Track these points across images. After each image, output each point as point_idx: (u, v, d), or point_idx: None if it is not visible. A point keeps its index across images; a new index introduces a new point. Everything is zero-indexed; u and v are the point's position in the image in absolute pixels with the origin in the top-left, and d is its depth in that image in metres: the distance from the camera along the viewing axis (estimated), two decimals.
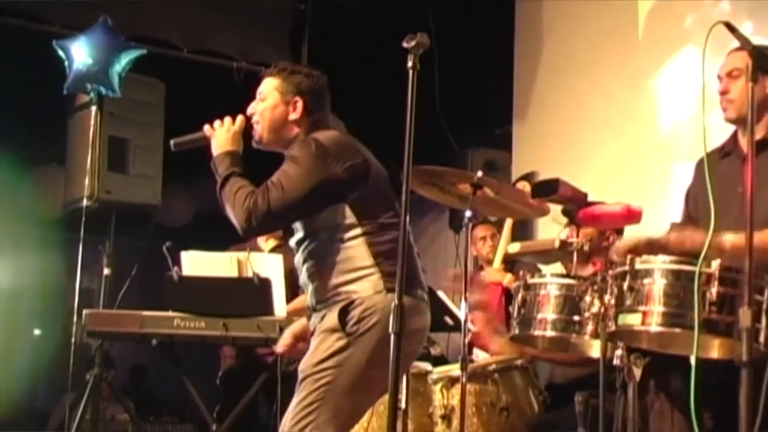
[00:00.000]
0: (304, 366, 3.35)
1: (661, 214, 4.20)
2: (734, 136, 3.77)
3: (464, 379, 3.82)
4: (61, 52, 5.91)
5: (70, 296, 5.68)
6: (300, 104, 3.54)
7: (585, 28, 6.89)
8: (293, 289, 5.26)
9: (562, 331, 3.52)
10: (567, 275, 3.67)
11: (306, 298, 3.56)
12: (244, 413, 5.27)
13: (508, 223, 5.78)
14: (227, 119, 3.56)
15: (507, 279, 5.55)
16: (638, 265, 3.17)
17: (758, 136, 3.62)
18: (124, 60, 5.95)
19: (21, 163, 7.92)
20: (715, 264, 3.02)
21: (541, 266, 5.03)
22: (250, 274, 5.05)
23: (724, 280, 3.01)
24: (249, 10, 7.69)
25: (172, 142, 3.71)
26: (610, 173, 6.33)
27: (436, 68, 6.87)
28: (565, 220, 3.82)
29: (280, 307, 5.04)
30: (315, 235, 3.43)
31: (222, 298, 4.99)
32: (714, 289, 3.00)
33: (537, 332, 3.60)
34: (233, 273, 5.16)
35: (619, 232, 4.66)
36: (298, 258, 3.52)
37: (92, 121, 5.90)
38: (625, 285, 3.17)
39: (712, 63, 3.66)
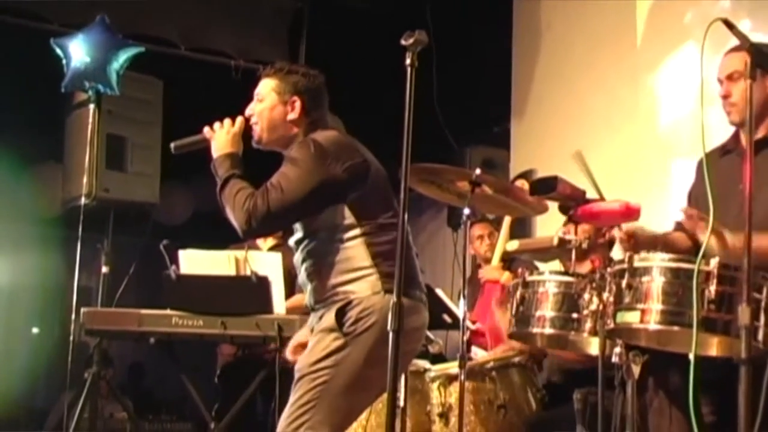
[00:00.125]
0: (300, 365, 3.35)
1: (660, 211, 4.20)
2: (736, 134, 3.77)
3: (462, 377, 3.82)
4: (59, 50, 5.91)
5: (69, 294, 5.68)
6: (298, 104, 3.54)
7: (583, 25, 6.89)
8: (291, 288, 5.27)
9: (561, 328, 3.51)
10: (565, 272, 3.67)
11: (304, 297, 3.57)
12: (243, 411, 5.27)
13: (507, 220, 5.78)
14: (227, 121, 3.56)
15: (505, 277, 5.55)
16: (637, 263, 3.17)
17: (759, 135, 3.63)
18: (122, 58, 5.95)
19: (19, 161, 7.93)
20: (714, 262, 3.01)
21: (539, 264, 5.03)
22: (248, 273, 5.05)
23: (723, 278, 3.01)
24: (247, 8, 7.69)
25: (172, 145, 3.71)
26: (608, 171, 6.29)
27: (435, 66, 6.87)
28: None
29: (279, 305, 5.04)
30: (314, 235, 3.43)
31: (220, 297, 4.99)
32: (713, 287, 2.99)
33: (535, 330, 3.59)
34: (231, 271, 5.16)
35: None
36: (297, 257, 3.52)
37: (90, 119, 5.90)
38: (624, 282, 3.17)
39: (712, 60, 3.66)
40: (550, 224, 4.73)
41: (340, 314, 3.30)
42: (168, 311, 5.00)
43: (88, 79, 5.88)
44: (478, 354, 5.10)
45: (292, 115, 3.54)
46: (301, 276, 3.51)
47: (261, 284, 4.94)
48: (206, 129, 3.59)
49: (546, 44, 7.28)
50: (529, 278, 3.61)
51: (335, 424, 3.28)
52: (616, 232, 3.60)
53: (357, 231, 3.38)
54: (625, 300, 3.16)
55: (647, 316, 3.11)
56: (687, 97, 5.65)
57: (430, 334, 4.51)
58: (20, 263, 9.73)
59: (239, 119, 3.57)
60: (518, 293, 3.62)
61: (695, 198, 3.83)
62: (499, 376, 4.39)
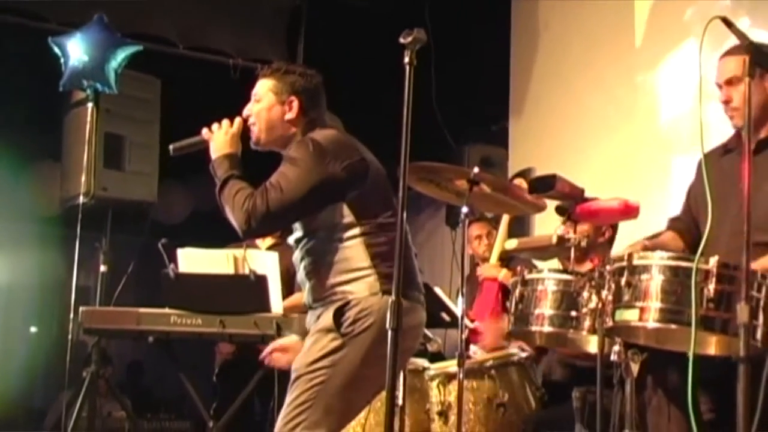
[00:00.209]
0: (297, 365, 3.35)
1: (660, 208, 4.21)
2: (738, 133, 3.76)
3: (461, 376, 3.82)
4: (57, 49, 5.90)
5: (67, 293, 5.67)
6: (295, 103, 3.54)
7: (581, 24, 6.89)
8: (289, 287, 5.26)
9: (560, 326, 3.52)
10: (564, 271, 3.67)
11: (302, 296, 3.56)
12: (241, 410, 5.27)
13: (505, 219, 5.78)
14: (225, 122, 3.56)
15: (503, 274, 5.56)
16: (636, 261, 3.17)
17: (762, 135, 3.63)
18: (120, 56, 5.94)
19: (17, 159, 7.92)
20: (713, 260, 3.02)
21: (537, 262, 5.03)
22: (246, 271, 5.04)
23: (722, 277, 3.01)
24: (246, 7, 7.68)
25: (171, 147, 3.70)
26: (607, 169, 6.33)
27: (433, 65, 6.87)
28: None
29: (277, 304, 5.04)
30: (313, 234, 3.43)
31: (218, 295, 4.98)
32: (712, 286, 3.00)
33: (534, 328, 3.60)
34: (229, 270, 5.15)
35: (614, 228, 4.67)
36: (296, 255, 3.52)
37: (88, 118, 5.89)
38: (623, 281, 3.17)
39: (711, 58, 3.67)
40: (548, 223, 4.73)
41: (339, 314, 3.30)
42: (166, 310, 4.99)
43: (86, 78, 5.88)
44: (477, 353, 5.10)
45: (290, 115, 3.54)
46: (300, 274, 3.52)
47: (259, 283, 4.94)
48: (204, 130, 3.59)
49: (544, 43, 7.28)
50: (528, 276, 3.62)
51: (332, 424, 3.28)
52: None
53: (356, 230, 3.38)
54: (624, 298, 3.16)
55: (646, 314, 3.11)
56: (687, 94, 5.65)
57: (428, 332, 4.51)
58: (18, 262, 9.72)
59: (237, 120, 3.56)
60: (517, 291, 3.62)
61: (694, 196, 3.84)
62: (499, 374, 4.39)
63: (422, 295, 3.49)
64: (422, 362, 4.68)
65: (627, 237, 3.79)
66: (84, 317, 5.08)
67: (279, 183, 3.33)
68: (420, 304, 3.45)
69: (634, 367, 3.34)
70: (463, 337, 3.91)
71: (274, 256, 5.20)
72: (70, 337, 5.47)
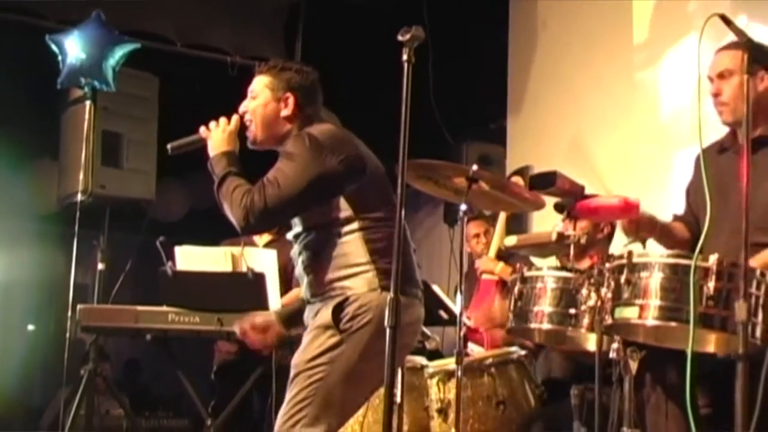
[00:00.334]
0: (296, 362, 3.35)
1: (660, 205, 4.20)
2: (732, 132, 3.77)
3: (460, 373, 3.81)
4: (54, 47, 5.90)
5: (65, 291, 5.67)
6: (291, 100, 3.54)
7: (579, 21, 6.89)
8: (287, 284, 5.26)
9: (559, 324, 3.52)
10: (563, 268, 3.67)
11: (300, 291, 3.56)
12: (239, 408, 5.27)
13: (502, 216, 5.78)
14: (222, 119, 3.57)
15: (499, 268, 5.57)
16: (635, 259, 3.17)
17: (756, 133, 3.63)
18: (118, 54, 5.94)
19: (15, 157, 7.90)
20: (713, 258, 3.02)
21: (536, 260, 5.03)
22: (244, 269, 5.04)
23: (721, 275, 3.01)
24: (243, 4, 7.67)
25: (168, 146, 3.70)
26: (606, 167, 6.32)
27: (431, 63, 6.86)
28: None
29: (275, 301, 5.03)
30: (312, 229, 3.44)
31: (216, 293, 4.98)
32: (711, 284, 3.00)
33: (533, 325, 3.60)
34: (227, 268, 5.15)
35: (613, 225, 4.67)
36: (295, 250, 3.53)
37: (86, 116, 5.89)
38: (622, 278, 3.17)
39: (710, 54, 3.67)
40: (546, 220, 4.72)
41: (337, 310, 3.31)
42: (164, 308, 4.99)
43: (83, 76, 5.88)
44: (474, 351, 5.10)
45: (286, 112, 3.54)
46: (298, 269, 3.52)
47: (257, 281, 4.94)
48: (202, 128, 3.59)
49: (542, 41, 7.28)
50: (527, 274, 3.62)
51: (332, 420, 3.29)
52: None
53: (355, 225, 3.38)
54: (624, 296, 3.16)
55: (645, 312, 3.11)
56: (686, 91, 5.63)
57: (426, 330, 4.51)
58: (16, 260, 9.71)
59: (235, 118, 3.57)
60: (516, 289, 3.62)
61: (693, 194, 3.84)
62: (498, 372, 4.39)
63: (420, 291, 3.49)
64: (421, 360, 4.68)
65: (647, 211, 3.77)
66: (82, 315, 5.08)
67: (276, 179, 3.32)
68: (418, 300, 3.46)
69: (633, 365, 3.34)
70: (461, 334, 3.91)
71: (272, 253, 5.20)
72: (67, 334, 5.47)
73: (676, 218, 3.91)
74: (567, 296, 3.47)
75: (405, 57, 2.89)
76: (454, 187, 3.86)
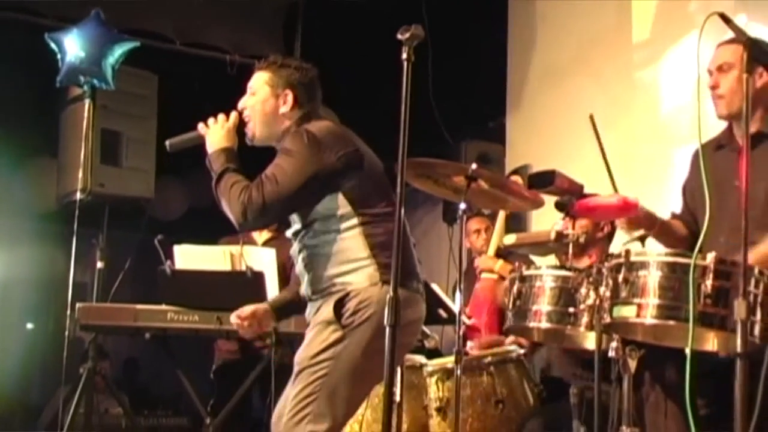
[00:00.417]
0: (299, 358, 3.36)
1: (660, 203, 4.19)
2: (729, 129, 3.77)
3: (459, 372, 3.81)
4: (53, 45, 5.90)
5: (64, 290, 5.67)
6: (290, 97, 3.55)
7: (578, 19, 6.88)
8: (286, 283, 5.26)
9: (557, 323, 3.52)
10: (562, 267, 3.67)
11: (301, 288, 3.56)
12: (238, 407, 5.27)
13: (501, 215, 5.78)
14: (221, 116, 3.57)
15: (499, 265, 5.56)
16: (633, 257, 3.17)
17: (752, 129, 3.62)
18: (117, 53, 5.94)
19: (14, 155, 7.90)
20: (710, 257, 3.01)
21: (535, 258, 5.03)
22: (243, 268, 5.04)
23: (719, 273, 3.01)
24: (242, 3, 7.67)
25: (167, 142, 3.70)
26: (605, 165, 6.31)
27: (430, 61, 6.86)
28: None
29: None
30: (311, 226, 3.44)
31: (215, 292, 4.98)
32: (709, 282, 2.99)
33: (532, 324, 3.60)
34: (226, 266, 5.15)
35: (613, 224, 4.67)
36: (294, 248, 3.53)
37: (85, 114, 5.89)
38: (621, 277, 3.16)
39: (710, 53, 3.67)
40: (545, 219, 4.72)
41: (339, 306, 3.31)
42: (163, 306, 5.00)
43: (83, 74, 5.88)
44: (473, 348, 5.09)
45: (284, 108, 3.55)
46: (298, 266, 3.52)
47: (256, 279, 4.93)
48: (201, 125, 3.60)
49: (541, 40, 7.27)
50: (526, 272, 3.61)
51: (337, 416, 3.29)
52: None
53: (354, 221, 3.39)
54: (622, 294, 3.16)
55: (644, 311, 3.11)
56: (687, 87, 5.62)
57: (426, 329, 4.51)
58: (15, 258, 9.70)
59: (233, 114, 3.57)
60: (515, 287, 3.62)
61: (690, 192, 3.84)
62: (497, 370, 4.39)
63: (422, 285, 3.50)
64: (420, 359, 4.68)
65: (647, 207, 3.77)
66: (81, 314, 5.08)
67: (275, 175, 3.33)
68: (419, 295, 3.46)
69: (632, 364, 3.34)
70: (461, 333, 3.90)
71: (271, 252, 5.20)
72: (66, 333, 5.46)
73: (674, 216, 3.91)
74: (566, 295, 3.47)
75: (404, 55, 2.89)
76: (453, 185, 3.86)
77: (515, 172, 6.43)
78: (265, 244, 5.70)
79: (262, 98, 3.57)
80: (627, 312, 3.15)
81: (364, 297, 3.31)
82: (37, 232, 9.34)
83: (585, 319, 3.41)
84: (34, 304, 10.48)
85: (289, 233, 3.56)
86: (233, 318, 3.98)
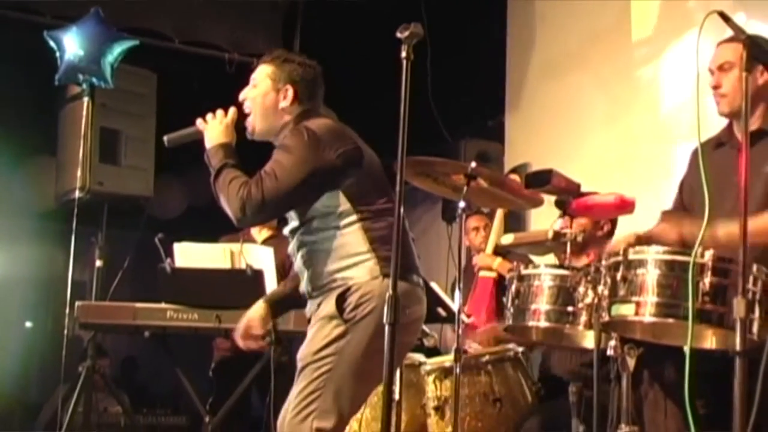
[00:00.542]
0: (302, 354, 3.35)
1: (659, 202, 4.19)
2: (729, 127, 3.77)
3: (457, 371, 3.81)
4: (52, 43, 5.89)
5: (63, 288, 5.67)
6: (290, 92, 3.55)
7: (578, 17, 6.88)
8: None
9: (556, 321, 3.52)
10: (561, 266, 3.67)
11: (301, 286, 3.56)
12: (237, 405, 5.27)
13: (500, 213, 5.78)
14: (219, 112, 3.57)
15: (497, 263, 5.57)
16: (632, 256, 3.17)
17: (753, 127, 3.62)
18: (116, 51, 5.93)
19: (12, 154, 7.90)
20: (709, 254, 3.02)
21: (533, 257, 5.03)
22: (242, 266, 5.04)
23: (717, 271, 3.01)
24: (241, 1, 7.67)
25: (165, 138, 3.70)
26: (605, 164, 6.32)
27: (429, 60, 6.86)
28: None
29: None
30: (310, 223, 3.44)
31: (215, 290, 4.98)
32: (707, 280, 3.00)
33: (530, 323, 3.60)
34: (226, 265, 5.15)
35: (613, 222, 4.67)
36: (293, 245, 3.52)
37: (84, 112, 5.88)
38: (619, 275, 3.17)
39: (710, 50, 3.67)
40: (544, 217, 4.72)
41: (340, 300, 3.31)
42: (162, 305, 4.99)
43: (82, 72, 5.87)
44: (471, 347, 5.09)
45: (284, 103, 3.55)
46: (298, 264, 3.51)
47: (255, 277, 4.93)
48: (199, 121, 3.60)
49: (540, 38, 7.27)
50: (524, 271, 3.61)
51: (343, 412, 3.28)
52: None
53: (353, 217, 3.38)
54: (620, 293, 3.16)
55: (642, 309, 3.11)
56: (686, 85, 5.62)
57: (425, 327, 4.51)
58: (14, 257, 9.71)
59: (232, 109, 3.57)
60: (513, 287, 3.62)
61: (689, 188, 3.83)
62: (495, 369, 4.38)
63: (422, 278, 3.49)
64: (418, 357, 4.68)
65: (626, 231, 3.76)
66: (80, 312, 5.08)
67: (274, 171, 3.33)
68: (420, 288, 3.46)
69: (631, 362, 3.34)
70: (460, 332, 3.90)
71: (270, 250, 5.20)
72: (65, 331, 5.46)
73: (665, 214, 3.90)
74: (564, 294, 3.47)
75: (404, 54, 2.89)
76: (452, 184, 3.86)
77: (514, 170, 6.44)
78: (265, 242, 5.70)
79: (263, 91, 3.57)
80: (625, 310, 3.16)
81: (365, 291, 3.30)
82: (36, 231, 9.34)
83: (584, 318, 3.41)
84: (33, 302, 10.49)
85: (286, 231, 3.55)
86: (234, 341, 3.90)
